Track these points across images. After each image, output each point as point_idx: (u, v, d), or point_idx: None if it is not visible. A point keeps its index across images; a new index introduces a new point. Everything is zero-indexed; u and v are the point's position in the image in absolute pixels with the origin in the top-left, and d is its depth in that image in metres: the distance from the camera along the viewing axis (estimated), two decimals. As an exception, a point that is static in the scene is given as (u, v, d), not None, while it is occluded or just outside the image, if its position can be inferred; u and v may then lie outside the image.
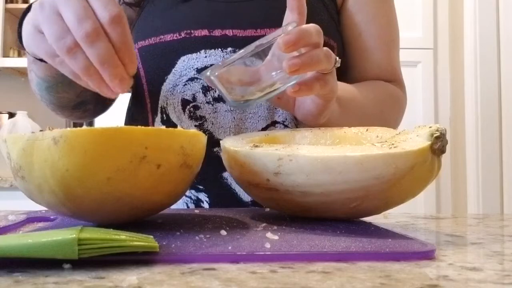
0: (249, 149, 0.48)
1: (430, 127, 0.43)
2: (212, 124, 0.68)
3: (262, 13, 0.69)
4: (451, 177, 2.18)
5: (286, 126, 0.69)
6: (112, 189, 0.38)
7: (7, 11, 2.36)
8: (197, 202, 0.68)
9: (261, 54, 0.50)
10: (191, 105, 0.68)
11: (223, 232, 0.40)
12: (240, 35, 0.68)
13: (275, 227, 0.43)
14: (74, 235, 0.30)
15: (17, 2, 2.40)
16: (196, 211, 0.59)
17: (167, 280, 0.27)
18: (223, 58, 0.65)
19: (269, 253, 0.33)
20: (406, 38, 2.12)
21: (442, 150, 0.42)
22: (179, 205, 0.69)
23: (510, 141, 1.99)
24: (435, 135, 0.42)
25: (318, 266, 0.31)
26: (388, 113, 0.76)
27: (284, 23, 0.54)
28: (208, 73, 0.50)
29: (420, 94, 2.13)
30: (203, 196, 0.67)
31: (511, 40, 2.00)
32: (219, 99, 0.68)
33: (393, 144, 0.43)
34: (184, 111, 0.68)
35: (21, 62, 2.34)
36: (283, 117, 0.68)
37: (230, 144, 0.51)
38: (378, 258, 0.33)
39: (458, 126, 2.12)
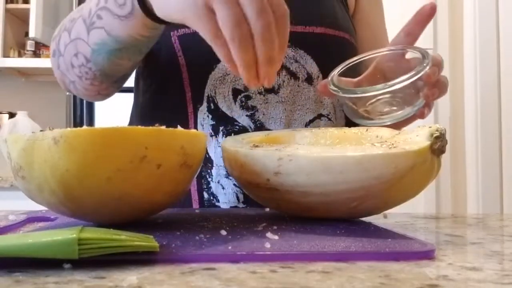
0: (249, 149, 0.48)
1: (430, 127, 0.43)
2: (263, 114, 0.68)
3: (308, 13, 0.73)
4: (451, 177, 2.18)
5: (329, 120, 0.72)
6: (112, 189, 0.38)
7: (7, 11, 2.36)
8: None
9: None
10: (242, 94, 0.68)
11: (223, 232, 0.40)
12: (291, 30, 0.70)
13: (275, 227, 0.43)
14: (74, 235, 0.30)
15: (17, 2, 2.40)
16: (196, 211, 0.59)
17: (167, 280, 0.28)
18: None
19: (269, 253, 0.33)
20: (406, 38, 2.12)
21: (442, 150, 0.42)
22: (229, 196, 0.68)
23: (510, 141, 1.99)
24: (434, 135, 0.42)
25: (318, 266, 0.31)
26: None
27: (397, 42, 0.61)
28: (340, 93, 0.55)
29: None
30: None
31: (511, 40, 2.00)
32: (271, 90, 0.69)
33: (393, 144, 0.43)
34: (235, 100, 0.69)
35: (21, 62, 2.33)
36: (328, 110, 0.72)
37: (230, 144, 0.51)
38: (378, 258, 0.33)
39: (458, 126, 2.12)
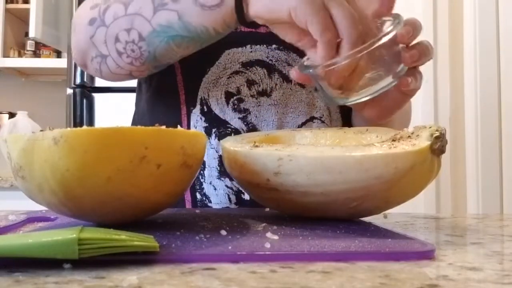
0: (249, 149, 0.48)
1: (430, 127, 0.43)
2: (256, 117, 0.69)
3: None
4: (451, 177, 2.18)
5: (323, 122, 0.71)
6: (112, 189, 0.38)
7: (7, 11, 2.36)
8: (238, 193, 0.68)
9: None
10: (235, 97, 0.69)
11: (223, 232, 0.40)
12: None
13: (275, 227, 0.43)
14: (75, 235, 0.30)
15: (17, 2, 2.40)
16: (197, 211, 0.59)
17: (167, 280, 0.28)
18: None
19: (269, 253, 0.33)
20: (406, 38, 2.11)
21: (442, 150, 0.42)
22: (221, 197, 0.68)
23: (510, 141, 1.99)
24: (434, 135, 0.42)
25: (318, 266, 0.31)
26: (409, 118, 0.84)
27: (373, 16, 0.56)
28: (310, 71, 0.50)
29: (420, 94, 2.13)
30: None
31: (511, 40, 2.00)
32: (263, 93, 0.69)
33: (393, 144, 0.43)
34: (227, 103, 0.69)
35: (21, 62, 2.33)
36: (320, 113, 0.72)
37: (230, 144, 0.51)
38: (378, 258, 0.33)
39: (457, 126, 2.12)
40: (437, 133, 0.42)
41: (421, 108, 2.16)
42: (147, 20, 0.57)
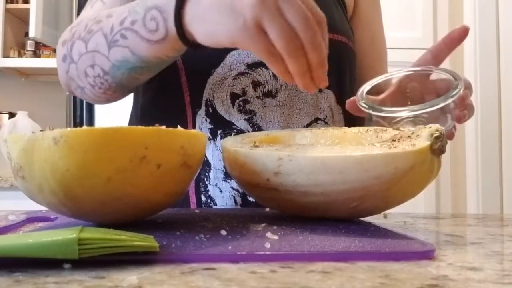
0: (249, 149, 0.48)
1: (430, 127, 0.43)
2: (261, 118, 0.69)
3: None
4: (451, 177, 2.18)
5: (326, 123, 0.72)
6: (112, 189, 0.38)
7: (7, 11, 2.36)
8: (244, 195, 0.68)
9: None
10: (240, 99, 0.69)
11: (223, 232, 0.40)
12: None
13: (275, 227, 0.43)
14: (74, 235, 0.30)
15: (17, 2, 2.40)
16: (196, 211, 0.59)
17: (167, 280, 0.28)
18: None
19: (269, 253, 0.33)
20: (406, 38, 2.12)
21: (441, 150, 0.42)
22: (226, 199, 0.68)
23: (510, 141, 1.99)
24: (434, 135, 0.42)
25: (318, 266, 0.31)
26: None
27: (422, 62, 0.61)
28: (371, 112, 0.56)
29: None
30: None
31: (511, 40, 2.00)
32: (269, 94, 0.69)
33: (393, 144, 0.43)
34: (233, 104, 0.69)
35: (21, 62, 2.33)
36: (324, 114, 0.73)
37: (230, 144, 0.51)
38: (378, 258, 0.33)
39: (458, 126, 2.12)
40: (437, 133, 0.42)
41: (421, 108, 2.16)
42: (105, 56, 0.59)
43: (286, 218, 0.50)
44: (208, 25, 0.49)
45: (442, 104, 0.52)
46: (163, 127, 0.41)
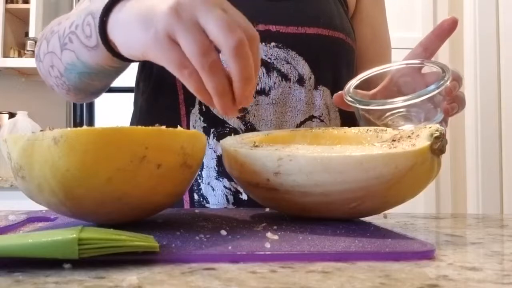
0: (249, 149, 0.48)
1: (430, 127, 0.43)
2: (254, 116, 0.69)
3: (302, 13, 0.73)
4: (451, 177, 2.18)
5: (322, 121, 0.72)
6: (112, 189, 0.38)
7: (7, 11, 2.36)
8: (236, 194, 0.68)
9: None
10: None
11: (223, 232, 0.40)
12: (283, 31, 0.71)
13: (275, 227, 0.43)
14: (75, 235, 0.30)
15: (17, 2, 2.40)
16: (196, 211, 0.59)
17: (167, 280, 0.28)
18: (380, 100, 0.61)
19: (269, 253, 0.33)
20: (406, 38, 2.12)
21: (441, 150, 0.42)
22: (219, 197, 0.68)
23: (510, 141, 1.99)
24: (434, 135, 0.42)
25: (318, 266, 0.31)
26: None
27: (413, 56, 0.61)
28: (357, 105, 0.55)
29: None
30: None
31: (511, 40, 2.00)
32: (261, 92, 0.69)
33: (393, 144, 0.43)
34: None
35: (21, 62, 2.33)
36: (319, 112, 0.72)
37: (230, 144, 0.51)
38: (378, 258, 0.33)
39: (458, 126, 2.12)
40: (437, 133, 0.42)
41: (421, 108, 2.16)
42: (59, 59, 0.59)
43: (286, 218, 0.50)
44: (124, 35, 0.47)
45: (425, 96, 0.51)
46: (163, 127, 0.41)
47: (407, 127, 0.54)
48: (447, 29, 0.59)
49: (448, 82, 0.52)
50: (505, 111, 2.00)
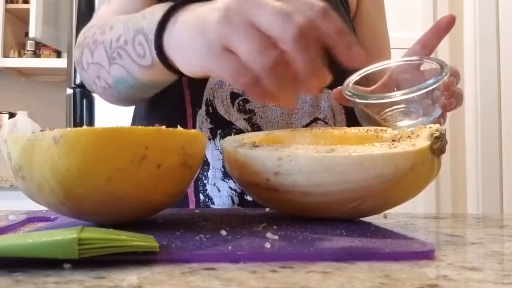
0: (249, 149, 0.48)
1: (430, 127, 0.43)
2: (261, 118, 0.69)
3: None
4: (451, 177, 2.18)
5: (326, 123, 0.72)
6: (112, 189, 0.38)
7: (7, 11, 2.36)
8: (241, 195, 0.68)
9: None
10: (240, 98, 0.69)
11: (223, 232, 0.40)
12: None
13: (275, 227, 0.43)
14: (75, 235, 0.30)
15: (17, 2, 2.40)
16: (196, 211, 0.59)
17: (167, 280, 0.28)
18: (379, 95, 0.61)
19: (269, 253, 0.33)
20: (406, 38, 2.11)
21: (442, 150, 0.42)
22: (224, 198, 0.68)
23: (510, 141, 1.99)
24: (435, 135, 0.42)
25: (318, 266, 0.31)
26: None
27: (412, 53, 0.61)
28: (356, 100, 0.55)
29: (420, 94, 2.12)
30: None
31: (511, 40, 2.00)
32: None
33: (393, 144, 0.43)
34: (233, 104, 0.69)
35: (21, 62, 2.33)
36: (324, 114, 0.72)
37: (230, 144, 0.51)
38: (378, 258, 0.33)
39: (458, 126, 2.12)
40: (437, 133, 0.42)
41: (421, 108, 2.16)
42: (107, 71, 0.57)
43: (286, 218, 0.50)
44: (182, 53, 0.45)
45: (424, 90, 0.52)
46: (163, 127, 0.41)
47: (406, 123, 0.54)
48: (445, 27, 0.59)
49: (446, 77, 0.53)
50: (505, 111, 2.00)
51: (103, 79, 0.59)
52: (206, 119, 0.69)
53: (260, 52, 0.36)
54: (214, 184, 0.68)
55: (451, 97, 0.56)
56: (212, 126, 0.69)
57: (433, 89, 0.52)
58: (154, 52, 0.48)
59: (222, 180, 0.68)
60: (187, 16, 0.44)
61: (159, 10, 0.48)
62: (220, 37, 0.39)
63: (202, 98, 0.70)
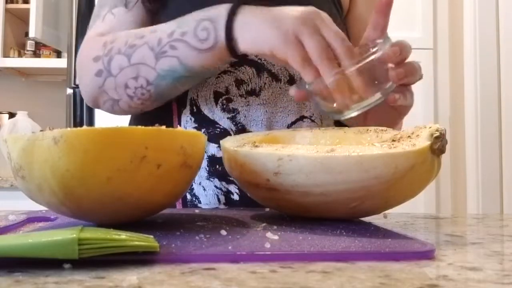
0: (249, 149, 0.48)
1: (430, 127, 0.43)
2: (245, 116, 0.69)
3: None
4: (451, 177, 2.18)
5: (313, 121, 0.72)
6: (112, 189, 0.38)
7: (7, 11, 2.36)
8: (227, 194, 0.68)
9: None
10: (223, 97, 0.69)
11: (223, 232, 0.40)
12: None
13: (275, 227, 0.43)
14: (75, 235, 0.30)
15: (17, 2, 2.40)
16: (196, 211, 0.59)
17: (167, 280, 0.28)
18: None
19: (269, 253, 0.33)
20: (405, 38, 2.11)
21: (442, 150, 0.42)
22: (210, 197, 0.69)
23: (510, 141, 1.99)
24: (434, 135, 0.42)
25: (318, 266, 0.31)
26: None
27: (367, 39, 0.60)
28: (306, 87, 0.55)
29: (419, 94, 2.13)
30: (233, 188, 0.68)
31: (511, 40, 2.00)
32: (252, 92, 0.69)
33: (393, 144, 0.43)
34: (216, 103, 0.69)
35: (21, 62, 2.33)
36: (310, 112, 0.72)
37: (230, 144, 0.51)
38: (378, 258, 0.33)
39: (457, 126, 2.12)
40: (437, 133, 0.42)
41: (421, 108, 2.16)
42: (152, 68, 0.63)
43: (286, 218, 0.50)
44: (254, 33, 0.56)
45: (362, 61, 0.52)
46: (163, 127, 0.41)
47: (364, 103, 0.54)
48: (385, 4, 0.59)
49: (385, 47, 0.53)
50: (505, 111, 2.00)
51: (143, 77, 0.64)
52: (191, 119, 0.70)
53: (322, 51, 0.52)
54: (200, 184, 0.69)
55: (400, 68, 0.54)
56: (196, 125, 0.69)
57: (376, 61, 0.52)
58: (220, 32, 0.58)
59: (207, 179, 0.68)
60: (259, 11, 0.57)
61: (223, 5, 0.60)
62: (296, 29, 0.53)
63: (187, 97, 0.70)
